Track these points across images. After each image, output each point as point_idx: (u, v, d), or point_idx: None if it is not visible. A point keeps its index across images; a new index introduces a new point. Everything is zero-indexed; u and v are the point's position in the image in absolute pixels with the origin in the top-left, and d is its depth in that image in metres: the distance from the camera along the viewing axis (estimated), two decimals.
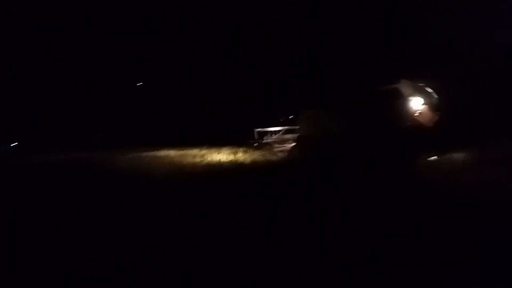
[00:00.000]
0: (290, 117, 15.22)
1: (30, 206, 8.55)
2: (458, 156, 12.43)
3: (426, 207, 7.03)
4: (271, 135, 16.31)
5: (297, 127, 14.88)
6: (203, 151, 17.42)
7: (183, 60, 17.75)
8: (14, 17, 21.35)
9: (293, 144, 15.15)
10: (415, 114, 12.91)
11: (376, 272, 4.63)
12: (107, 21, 19.74)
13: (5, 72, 20.24)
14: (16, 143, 18.86)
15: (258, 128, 16.44)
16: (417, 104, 12.99)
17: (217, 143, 18.41)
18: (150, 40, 19.41)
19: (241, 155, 16.07)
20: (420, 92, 13.03)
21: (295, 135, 15.23)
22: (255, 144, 16.71)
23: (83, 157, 17.99)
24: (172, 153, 17.96)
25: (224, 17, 16.56)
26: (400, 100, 13.03)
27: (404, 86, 13.14)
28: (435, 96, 12.91)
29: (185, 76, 18.22)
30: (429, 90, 12.99)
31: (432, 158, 12.18)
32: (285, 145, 15.72)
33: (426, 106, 12.90)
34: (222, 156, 15.93)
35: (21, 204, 8.79)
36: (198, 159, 15.46)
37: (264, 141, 16.47)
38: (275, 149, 15.84)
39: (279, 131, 16.04)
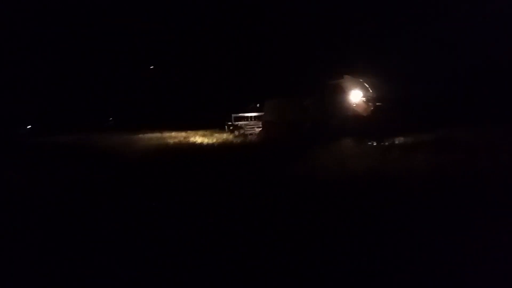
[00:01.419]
0: (257, 105, 18.12)
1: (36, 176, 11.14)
2: (391, 142, 15.42)
3: (362, 180, 8.55)
4: (243, 121, 19.26)
5: (263, 114, 17.85)
6: (188, 134, 20.56)
7: (174, 58, 20.65)
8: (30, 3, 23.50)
9: (260, 127, 18.14)
10: (354, 105, 15.84)
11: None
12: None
13: (23, 60, 22.65)
14: (30, 126, 21.63)
15: (233, 114, 19.40)
16: (356, 97, 15.91)
17: (200, 127, 21.56)
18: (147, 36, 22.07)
19: (218, 136, 19.22)
20: (359, 87, 15.93)
21: (261, 121, 18.20)
22: (230, 128, 19.71)
23: (92, 138, 21.16)
24: (163, 135, 21.15)
25: (208, 18, 19.27)
26: (342, 93, 15.95)
27: (346, 82, 16.03)
28: (371, 91, 15.82)
29: (174, 73, 21.08)
30: (366, 85, 15.89)
31: (371, 143, 15.14)
32: (254, 128, 18.69)
33: (363, 99, 15.82)
34: (203, 137, 19.04)
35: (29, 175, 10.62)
36: (183, 140, 18.61)
37: (237, 126, 19.45)
38: (246, 132, 18.83)
39: (249, 117, 19.00)
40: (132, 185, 9.18)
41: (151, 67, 26.20)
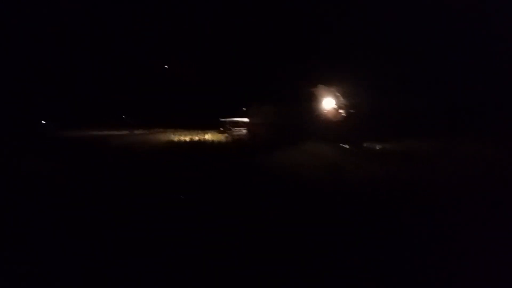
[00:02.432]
0: (244, 109, 20.35)
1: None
2: (359, 145, 17.42)
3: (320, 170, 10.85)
4: (232, 123, 21.51)
5: (248, 117, 20.08)
6: (188, 133, 23.10)
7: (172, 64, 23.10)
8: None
9: (246, 129, 20.36)
10: (325, 111, 17.90)
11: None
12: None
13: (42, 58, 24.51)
14: (45, 122, 24.09)
15: (223, 118, 21.76)
16: (328, 104, 17.97)
17: (197, 128, 24.01)
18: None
19: (211, 136, 21.63)
20: (331, 95, 17.99)
21: (247, 123, 20.44)
22: (221, 129, 21.99)
23: (103, 134, 23.96)
24: (170, 133, 23.90)
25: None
26: (316, 100, 18.03)
27: (320, 90, 18.11)
28: (341, 99, 17.85)
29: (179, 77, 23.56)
30: (338, 94, 17.94)
31: (343, 145, 17.19)
32: (241, 129, 20.89)
33: (334, 106, 17.87)
34: (199, 136, 21.48)
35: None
36: (184, 138, 21.17)
37: (228, 127, 21.70)
38: (234, 133, 21.06)
39: (238, 121, 21.25)
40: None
41: (165, 66, 27.99)
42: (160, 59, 25.11)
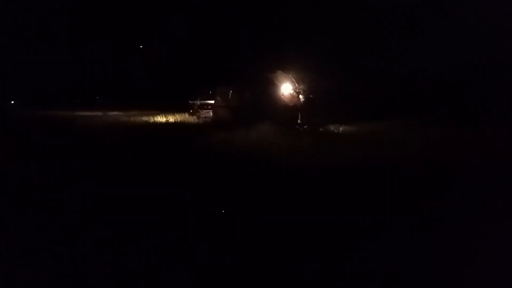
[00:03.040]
0: (210, 92, 21.49)
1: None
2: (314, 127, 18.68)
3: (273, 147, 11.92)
4: (200, 105, 22.63)
5: (213, 100, 21.21)
6: (161, 115, 24.19)
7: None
8: None
9: (211, 111, 21.52)
10: (282, 96, 19.08)
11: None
12: None
13: (15, 34, 25.49)
14: (13, 101, 25.02)
15: (191, 101, 22.86)
16: (285, 88, 19.14)
17: (168, 110, 25.12)
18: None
19: (179, 117, 22.80)
20: (289, 81, 19.15)
21: (213, 105, 21.56)
22: (190, 111, 23.12)
23: (73, 114, 24.92)
24: (144, 115, 24.92)
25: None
26: (274, 85, 19.19)
27: (278, 76, 19.27)
28: (297, 84, 19.03)
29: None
30: (294, 80, 19.10)
31: (299, 127, 18.43)
32: (208, 111, 22.04)
33: (291, 91, 19.05)
34: (168, 118, 22.61)
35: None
36: (151, 120, 22.23)
37: (196, 110, 22.84)
38: (201, 115, 22.21)
39: (204, 103, 22.35)
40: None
41: (140, 46, 28.88)
42: (134, 40, 26.15)
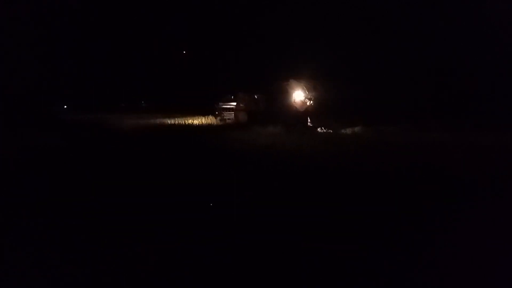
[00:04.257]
0: (232, 98, 24.35)
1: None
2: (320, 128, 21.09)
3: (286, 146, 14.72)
4: (223, 109, 25.52)
5: (235, 104, 24.07)
6: (192, 118, 27.42)
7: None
8: None
9: (233, 114, 24.36)
10: (295, 102, 21.59)
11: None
12: None
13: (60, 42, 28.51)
14: (66, 106, 28.56)
15: (217, 104, 25.81)
16: (296, 95, 21.63)
17: (193, 113, 28.32)
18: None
19: (205, 119, 25.88)
20: (300, 88, 21.63)
21: (235, 109, 24.42)
22: (216, 113, 26.07)
23: (113, 117, 28.55)
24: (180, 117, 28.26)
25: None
26: (287, 92, 21.74)
27: (291, 84, 21.78)
28: (307, 92, 21.47)
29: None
30: (305, 87, 21.55)
31: (307, 129, 20.92)
32: (231, 114, 24.88)
33: (302, 97, 21.52)
34: (196, 120, 25.74)
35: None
36: (191, 121, 25.51)
37: (220, 113, 25.76)
38: (225, 117, 25.09)
39: (227, 106, 25.22)
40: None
41: (183, 52, 31.87)
42: (176, 49, 29.30)
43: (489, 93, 23.20)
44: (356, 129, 20.41)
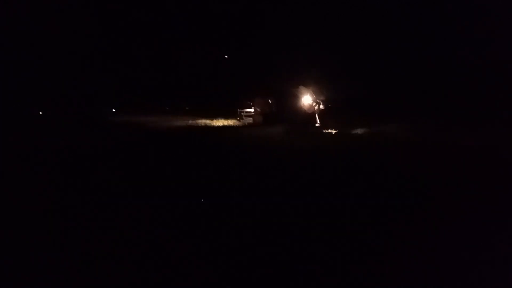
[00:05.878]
0: (250, 103, 27.87)
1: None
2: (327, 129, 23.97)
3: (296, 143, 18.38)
4: (244, 113, 28.98)
5: (252, 108, 27.51)
6: (213, 120, 31.08)
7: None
8: None
9: (252, 117, 27.78)
10: (304, 105, 24.66)
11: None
12: None
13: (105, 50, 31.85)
14: (114, 109, 32.29)
15: (239, 109, 29.37)
16: (305, 100, 24.69)
17: (219, 117, 31.94)
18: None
19: (229, 122, 29.48)
20: (308, 93, 24.68)
21: (253, 113, 27.83)
22: (238, 117, 29.60)
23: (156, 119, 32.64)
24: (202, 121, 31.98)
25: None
26: (297, 97, 24.86)
27: (301, 89, 24.89)
28: (315, 96, 24.49)
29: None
30: (312, 92, 24.58)
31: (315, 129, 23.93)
32: (250, 117, 28.30)
33: (310, 102, 24.56)
34: (222, 122, 29.43)
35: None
36: (209, 124, 29.19)
37: (241, 116, 29.25)
38: (246, 120, 28.53)
39: (248, 110, 28.67)
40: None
41: (226, 56, 34.95)
42: (217, 56, 32.53)
43: (489, 93, 25.10)
44: (360, 130, 23.17)
